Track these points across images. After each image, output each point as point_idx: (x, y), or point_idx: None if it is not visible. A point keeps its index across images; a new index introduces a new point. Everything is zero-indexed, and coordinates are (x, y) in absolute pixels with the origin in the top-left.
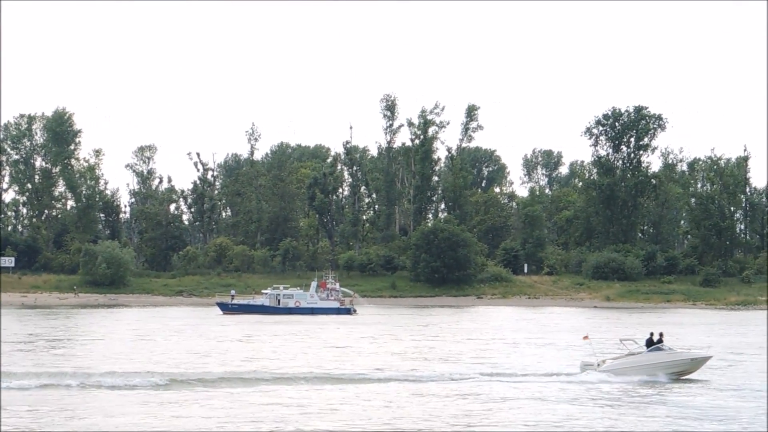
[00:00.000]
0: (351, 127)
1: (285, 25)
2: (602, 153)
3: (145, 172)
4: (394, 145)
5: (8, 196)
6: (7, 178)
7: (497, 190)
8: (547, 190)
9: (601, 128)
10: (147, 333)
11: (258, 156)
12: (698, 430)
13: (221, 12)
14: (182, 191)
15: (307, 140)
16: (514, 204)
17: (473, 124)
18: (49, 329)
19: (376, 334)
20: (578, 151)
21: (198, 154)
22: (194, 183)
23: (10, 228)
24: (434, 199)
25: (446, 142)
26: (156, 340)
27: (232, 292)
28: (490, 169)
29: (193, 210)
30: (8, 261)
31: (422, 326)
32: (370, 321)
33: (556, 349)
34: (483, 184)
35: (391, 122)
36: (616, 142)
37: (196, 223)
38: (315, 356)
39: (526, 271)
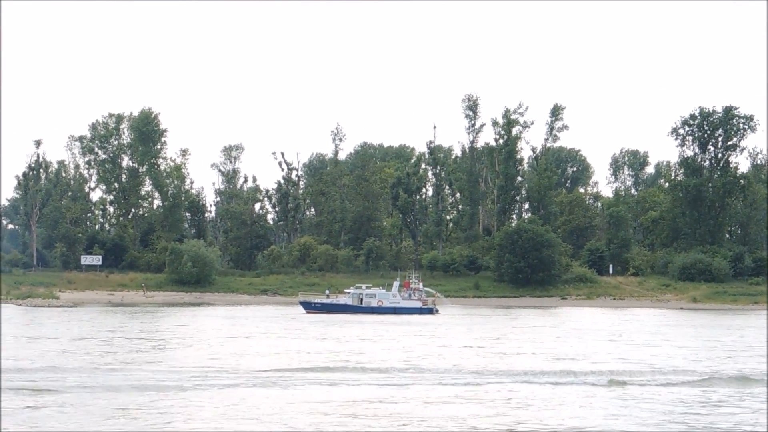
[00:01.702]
0: (434, 127)
1: (370, 26)
2: (689, 153)
3: (231, 171)
4: (477, 145)
5: (96, 195)
6: (95, 178)
7: (582, 190)
8: (632, 191)
9: (687, 128)
10: (271, 332)
11: (342, 156)
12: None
13: (309, 12)
14: (267, 191)
15: (391, 140)
16: (599, 204)
17: (558, 124)
18: (156, 327)
19: (485, 335)
20: (665, 151)
21: (282, 154)
22: (279, 182)
23: (97, 227)
24: (518, 199)
25: (530, 142)
26: (290, 338)
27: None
28: (575, 169)
29: (277, 209)
30: (96, 259)
31: (530, 327)
32: (474, 321)
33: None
34: (567, 184)
35: (473, 122)
36: (703, 142)
37: (281, 223)
38: (482, 354)
39: (611, 272)
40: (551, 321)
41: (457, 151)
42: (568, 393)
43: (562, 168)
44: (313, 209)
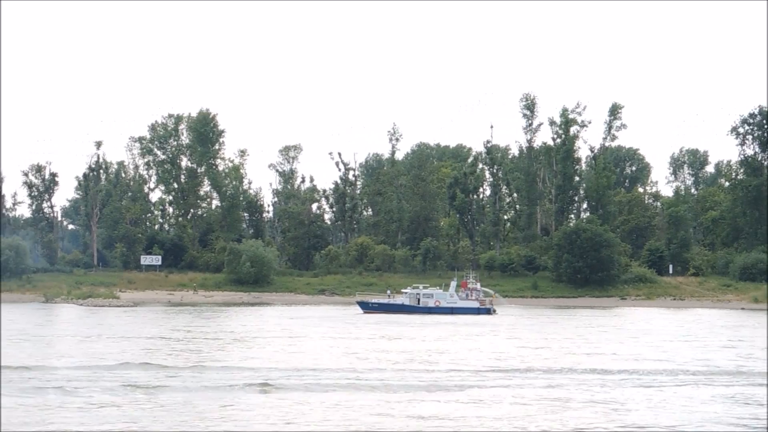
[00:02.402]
0: (491, 127)
1: (427, 25)
2: (749, 152)
3: (288, 171)
4: (535, 144)
5: (155, 196)
6: (154, 178)
7: (641, 189)
8: (692, 190)
9: (747, 127)
10: (342, 333)
11: (399, 156)
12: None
13: (365, 12)
14: (324, 191)
15: (448, 140)
16: (659, 204)
17: (617, 123)
18: (230, 325)
19: (561, 335)
20: (725, 150)
21: (340, 154)
22: (336, 183)
23: (157, 227)
24: (576, 198)
25: (588, 141)
26: (385, 339)
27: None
28: (633, 168)
29: (334, 209)
30: (155, 259)
31: (604, 327)
32: (541, 320)
33: None
34: (626, 184)
35: (530, 121)
36: (764, 141)
37: (338, 223)
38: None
39: (671, 272)
40: (618, 321)
41: (515, 151)
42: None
43: (621, 167)
44: (370, 209)
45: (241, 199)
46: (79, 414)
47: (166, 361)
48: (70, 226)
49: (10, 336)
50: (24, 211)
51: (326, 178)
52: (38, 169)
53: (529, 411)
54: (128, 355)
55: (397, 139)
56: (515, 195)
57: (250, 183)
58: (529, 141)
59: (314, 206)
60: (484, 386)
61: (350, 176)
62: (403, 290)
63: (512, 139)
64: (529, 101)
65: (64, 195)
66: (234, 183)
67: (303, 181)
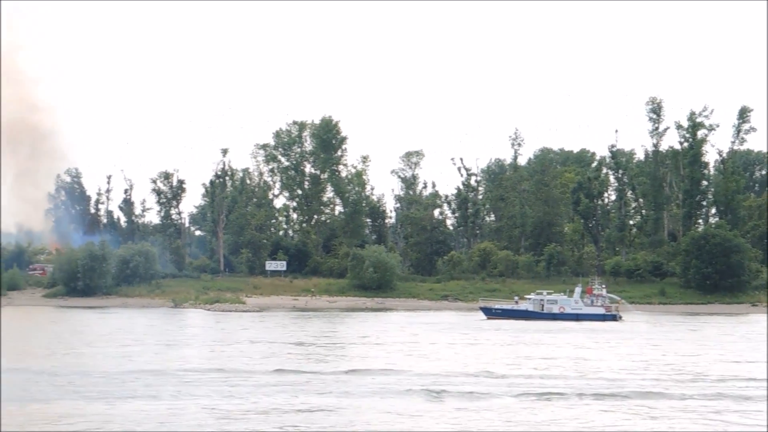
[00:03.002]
0: (616, 131)
1: (548, 28)
2: None
3: (410, 177)
4: (661, 148)
5: (279, 202)
6: (278, 185)
7: None
8: None
9: None
10: (477, 339)
11: (521, 161)
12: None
13: (482, 17)
14: (446, 196)
15: (571, 144)
16: None
17: (745, 126)
18: (369, 330)
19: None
20: None
21: (461, 160)
22: (458, 188)
23: (281, 233)
24: (704, 203)
25: (716, 145)
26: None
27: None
28: (763, 172)
29: (456, 215)
30: (280, 265)
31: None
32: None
33: None
34: (756, 188)
35: (656, 125)
36: None
37: (460, 228)
38: None
39: None
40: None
41: (640, 155)
42: None
43: (750, 171)
44: (492, 215)
45: (363, 204)
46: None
47: (318, 366)
48: (197, 232)
49: (179, 339)
50: (153, 217)
51: (449, 184)
52: (166, 176)
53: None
54: (277, 360)
55: (519, 144)
56: (641, 200)
57: (372, 189)
58: (655, 145)
59: (436, 212)
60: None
61: (472, 181)
62: (526, 296)
63: (638, 143)
64: (656, 104)
65: (191, 202)
66: (357, 189)
67: (425, 186)
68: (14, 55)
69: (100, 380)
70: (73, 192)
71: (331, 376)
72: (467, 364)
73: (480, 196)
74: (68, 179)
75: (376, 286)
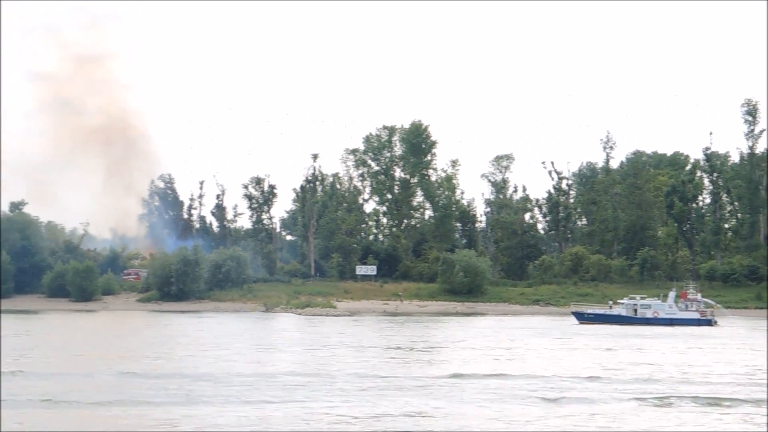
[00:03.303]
0: (710, 133)
1: (640, 29)
2: None
3: (501, 181)
4: (757, 151)
5: (369, 207)
6: (368, 189)
7: None
8: None
9: None
10: (577, 344)
11: (614, 164)
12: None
13: (578, 17)
14: (537, 200)
15: (664, 147)
16: None
17: None
18: (472, 334)
19: None
20: None
21: (552, 163)
22: (549, 192)
23: (371, 237)
24: None
25: None
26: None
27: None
28: None
29: (548, 219)
30: (370, 269)
31: None
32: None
33: None
34: None
35: (752, 127)
36: None
37: (551, 232)
38: None
39: None
40: None
41: (735, 158)
42: None
43: None
44: (584, 218)
45: (453, 209)
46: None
47: (421, 370)
48: (288, 237)
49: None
50: (244, 222)
51: (539, 188)
52: (257, 182)
53: None
54: (379, 364)
55: (611, 147)
56: (736, 203)
57: (462, 193)
58: (751, 147)
59: (527, 216)
60: None
61: (563, 185)
62: (619, 301)
63: (733, 145)
64: (751, 107)
65: (282, 207)
66: (446, 193)
67: (515, 190)
68: (108, 63)
69: (208, 384)
70: (167, 197)
71: (437, 380)
72: (573, 369)
73: (571, 200)
74: (162, 185)
75: (466, 290)
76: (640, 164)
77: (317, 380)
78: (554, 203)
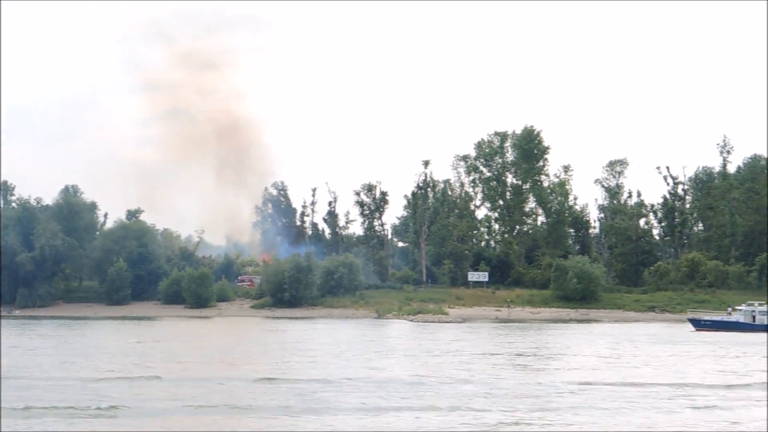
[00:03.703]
0: None
1: (758, 31)
2: None
3: (615, 186)
4: None
5: (481, 213)
6: (479, 195)
7: None
8: None
9: None
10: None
11: (731, 168)
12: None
13: (696, 14)
14: (652, 205)
15: None
16: None
17: None
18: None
19: None
20: None
21: (668, 168)
22: (664, 197)
23: (483, 243)
24: None
25: None
26: None
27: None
28: None
29: (663, 224)
30: (482, 276)
31: None
32: None
33: None
34: None
35: None
36: None
37: (667, 238)
38: None
39: None
40: None
41: None
42: None
43: None
44: (700, 224)
45: (566, 215)
46: None
47: (545, 377)
48: (400, 244)
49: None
50: (356, 229)
51: (654, 193)
52: (369, 189)
53: None
54: (504, 371)
55: (728, 152)
56: None
57: (575, 199)
58: None
59: (642, 221)
60: None
61: (679, 190)
62: (737, 307)
63: None
64: None
65: (394, 213)
66: (559, 199)
67: (630, 195)
68: (222, 70)
69: (342, 388)
70: (280, 205)
71: (566, 386)
72: (708, 377)
73: (687, 205)
74: (275, 192)
75: (579, 297)
76: (758, 168)
77: (474, 388)
78: (670, 208)
